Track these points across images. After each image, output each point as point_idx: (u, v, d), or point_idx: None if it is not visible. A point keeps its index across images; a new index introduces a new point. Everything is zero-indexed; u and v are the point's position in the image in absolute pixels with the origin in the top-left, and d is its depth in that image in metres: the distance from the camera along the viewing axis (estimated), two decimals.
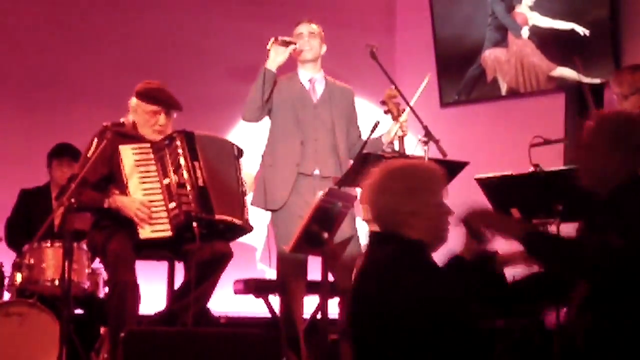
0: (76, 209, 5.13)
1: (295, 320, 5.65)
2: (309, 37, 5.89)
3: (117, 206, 5.39)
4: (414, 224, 3.33)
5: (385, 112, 5.68)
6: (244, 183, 5.69)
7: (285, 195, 5.74)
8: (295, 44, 5.81)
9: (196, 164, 5.48)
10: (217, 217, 5.43)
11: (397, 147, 5.60)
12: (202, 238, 5.30)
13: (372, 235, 3.48)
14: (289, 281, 5.70)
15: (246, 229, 5.65)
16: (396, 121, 5.61)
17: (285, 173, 5.77)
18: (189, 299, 5.30)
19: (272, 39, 5.77)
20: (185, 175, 5.44)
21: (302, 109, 5.87)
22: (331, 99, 5.93)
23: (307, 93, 5.92)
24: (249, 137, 6.78)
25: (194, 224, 5.31)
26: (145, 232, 5.38)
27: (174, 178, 5.45)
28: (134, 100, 5.60)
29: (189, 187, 5.42)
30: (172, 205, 5.41)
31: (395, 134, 5.61)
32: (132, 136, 5.55)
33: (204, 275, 5.43)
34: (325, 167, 5.80)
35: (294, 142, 5.81)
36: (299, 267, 5.69)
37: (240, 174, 5.69)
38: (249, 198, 5.76)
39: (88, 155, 5.39)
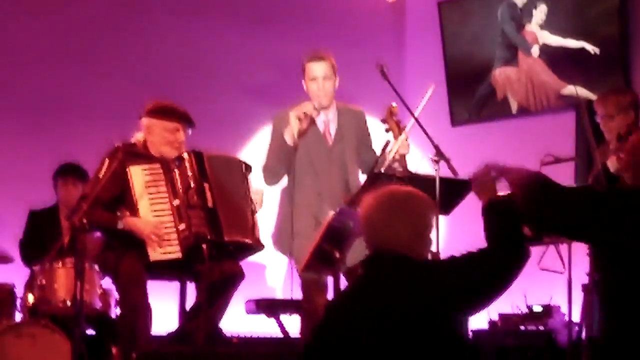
0: (88, 229, 5.15)
1: None
2: (323, 81, 5.70)
3: (130, 228, 5.40)
4: (416, 247, 3.48)
5: (387, 131, 5.65)
6: (253, 201, 5.68)
7: (305, 244, 5.68)
8: (314, 107, 5.63)
9: (206, 184, 5.49)
10: (227, 238, 5.43)
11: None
12: (212, 259, 5.30)
13: (380, 258, 3.51)
14: (314, 303, 5.59)
15: (257, 247, 5.65)
16: (397, 139, 5.58)
17: (304, 224, 5.61)
18: (200, 320, 5.30)
19: (295, 119, 5.59)
20: (195, 196, 5.44)
21: (318, 155, 5.74)
22: (344, 136, 5.81)
23: (321, 137, 5.79)
24: (261, 155, 6.77)
25: (204, 246, 5.31)
26: (155, 254, 5.38)
27: (183, 199, 5.45)
28: (147, 120, 5.59)
29: (198, 209, 5.43)
30: (182, 226, 5.42)
31: (397, 151, 5.56)
32: (143, 156, 5.56)
33: (215, 296, 5.43)
34: None
35: (311, 193, 5.70)
36: (322, 288, 5.61)
37: (249, 191, 5.68)
38: (264, 215, 5.75)
39: (99, 176, 5.39)
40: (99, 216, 5.31)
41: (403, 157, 5.53)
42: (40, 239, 6.64)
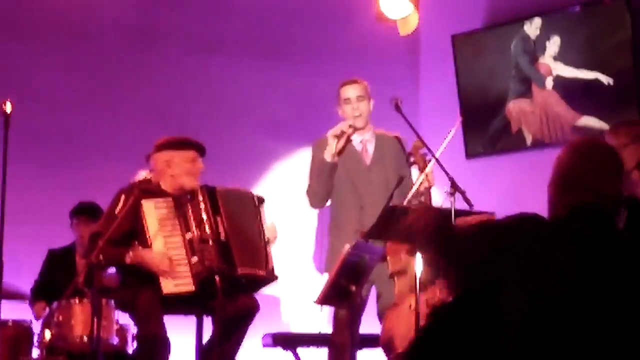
0: (104, 266, 5.17)
1: None
2: (357, 101, 5.86)
3: (139, 261, 5.41)
4: None
5: (412, 164, 5.69)
6: (266, 233, 5.69)
7: None
8: (349, 126, 5.76)
9: (218, 218, 5.52)
10: (240, 271, 5.45)
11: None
12: (225, 292, 5.31)
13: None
14: (345, 337, 5.54)
15: (271, 278, 5.66)
16: (422, 172, 5.60)
17: (347, 241, 5.53)
18: (213, 355, 5.30)
19: (332, 137, 5.72)
20: (207, 229, 5.47)
21: (357, 174, 5.85)
22: (383, 158, 5.90)
23: (359, 156, 5.90)
24: (278, 189, 6.79)
25: (216, 279, 5.32)
26: (168, 287, 5.40)
27: (196, 233, 5.48)
28: (165, 154, 5.61)
29: (211, 242, 5.45)
30: (195, 259, 5.44)
31: (422, 184, 5.59)
32: (156, 192, 5.59)
33: (231, 331, 5.43)
34: None
35: (353, 208, 5.80)
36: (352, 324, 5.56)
37: (262, 224, 5.70)
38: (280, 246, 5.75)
39: (116, 212, 5.41)
40: (109, 252, 5.31)
41: (428, 190, 5.58)
42: (55, 278, 6.65)
